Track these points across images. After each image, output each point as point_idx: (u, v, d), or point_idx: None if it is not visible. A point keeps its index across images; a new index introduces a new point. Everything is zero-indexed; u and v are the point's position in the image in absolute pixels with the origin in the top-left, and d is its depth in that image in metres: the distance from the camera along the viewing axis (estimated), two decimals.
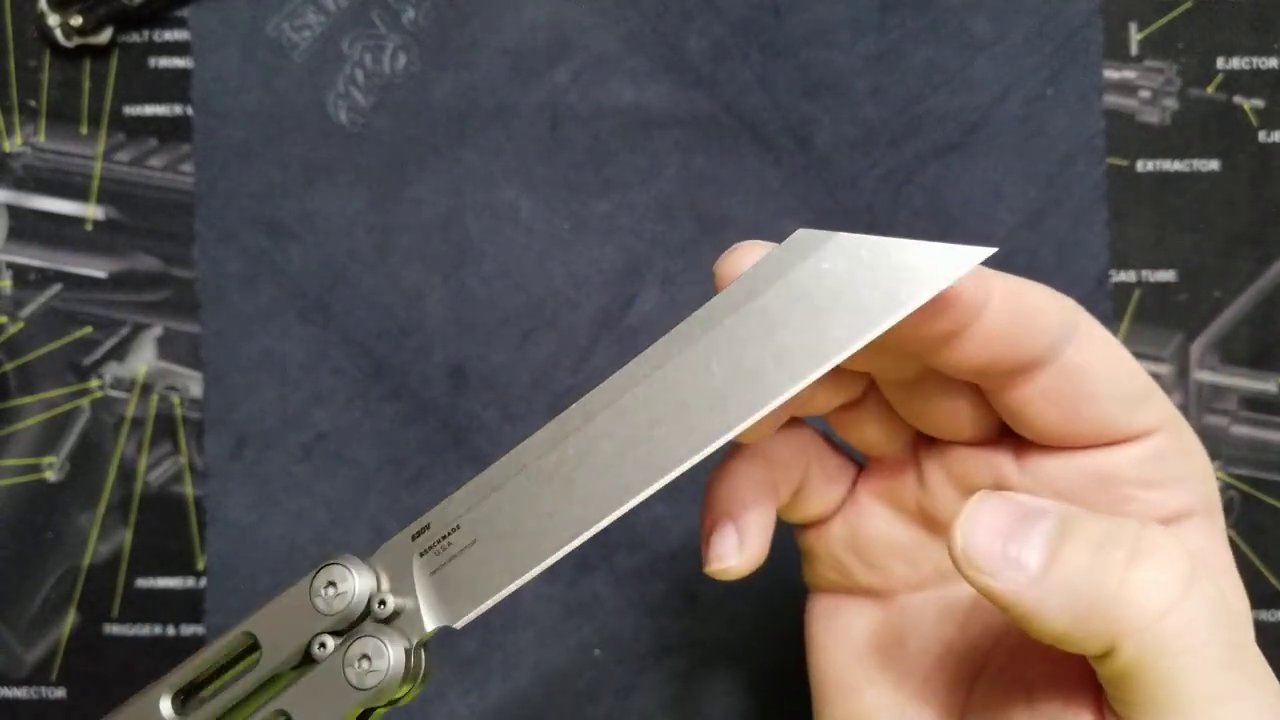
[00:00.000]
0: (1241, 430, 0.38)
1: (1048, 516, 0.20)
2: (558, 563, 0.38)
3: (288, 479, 0.37)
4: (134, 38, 0.38)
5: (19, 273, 0.38)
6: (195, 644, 0.37)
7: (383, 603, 0.21)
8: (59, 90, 0.38)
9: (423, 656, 0.22)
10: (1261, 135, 0.38)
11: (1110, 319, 0.37)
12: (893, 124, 0.37)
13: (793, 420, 0.25)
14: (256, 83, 0.37)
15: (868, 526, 0.26)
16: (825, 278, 0.20)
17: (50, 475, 0.37)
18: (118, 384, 0.37)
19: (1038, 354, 0.21)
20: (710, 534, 0.24)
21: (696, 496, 0.37)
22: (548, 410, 0.37)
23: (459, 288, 0.37)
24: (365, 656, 0.21)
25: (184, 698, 0.22)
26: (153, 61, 0.38)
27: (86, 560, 0.37)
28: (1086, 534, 0.20)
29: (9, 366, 0.38)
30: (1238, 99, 0.38)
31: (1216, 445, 0.38)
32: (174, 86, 0.38)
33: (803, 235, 0.20)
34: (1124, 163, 0.38)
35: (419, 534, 0.22)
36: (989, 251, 0.20)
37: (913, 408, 0.24)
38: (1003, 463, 0.24)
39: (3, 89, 0.38)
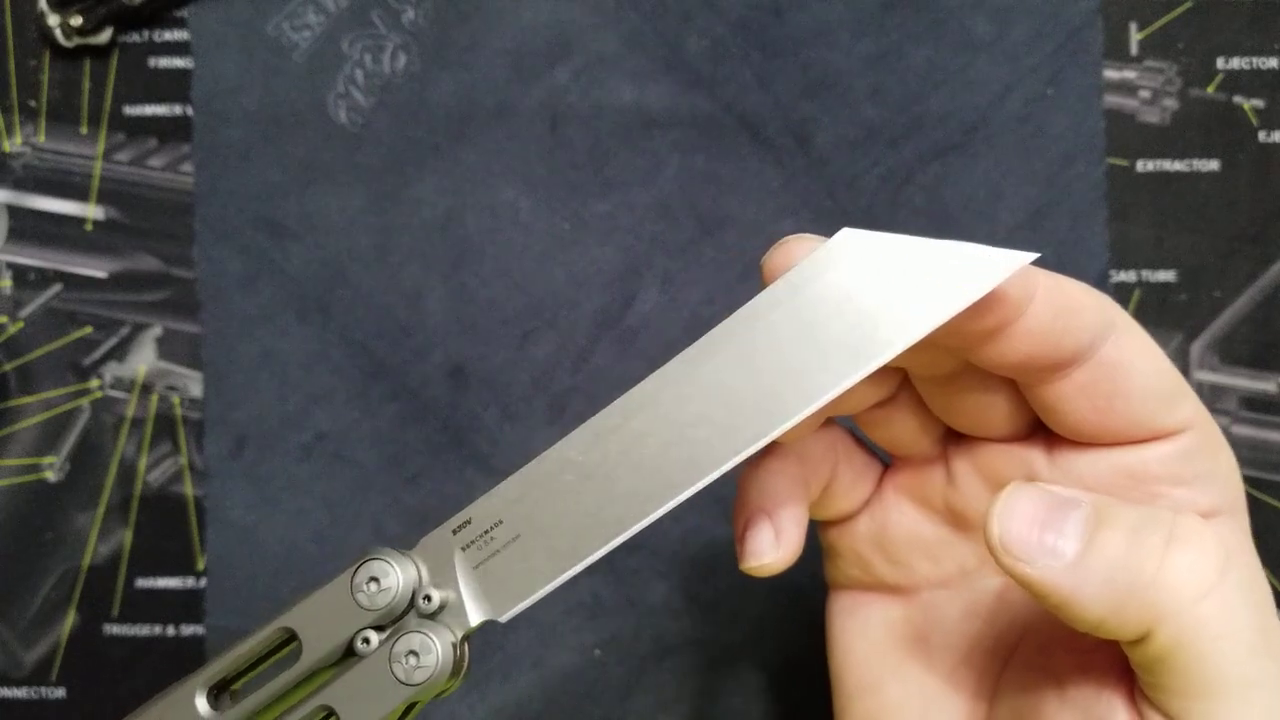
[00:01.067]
0: (1241, 430, 0.38)
1: (1082, 505, 0.21)
2: None
3: (288, 479, 0.37)
4: (134, 38, 0.38)
5: (19, 273, 0.38)
6: (195, 644, 0.37)
7: (428, 598, 0.21)
8: (59, 90, 0.38)
9: (466, 650, 0.22)
10: (1261, 135, 0.38)
11: None
12: (893, 124, 0.37)
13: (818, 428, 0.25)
14: (256, 83, 0.37)
15: (893, 523, 0.26)
16: (869, 279, 0.20)
17: (50, 475, 0.37)
18: (118, 384, 0.38)
19: (1077, 350, 0.21)
20: (746, 531, 0.24)
21: (696, 497, 0.37)
22: (548, 410, 0.37)
23: (459, 287, 0.37)
24: (413, 653, 0.21)
25: (217, 693, 0.22)
26: (153, 61, 0.38)
27: (86, 560, 0.37)
28: (1122, 520, 0.20)
29: (9, 366, 0.38)
30: (1238, 99, 0.38)
31: None
32: (174, 86, 0.38)
33: (847, 235, 0.20)
34: (1124, 163, 0.38)
35: (460, 528, 0.21)
36: (1032, 256, 0.20)
37: (947, 404, 0.24)
38: (1034, 459, 0.24)
39: (3, 89, 0.38)
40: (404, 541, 0.22)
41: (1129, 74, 0.38)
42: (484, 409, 0.37)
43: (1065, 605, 0.20)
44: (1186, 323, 0.37)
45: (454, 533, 0.21)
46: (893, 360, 0.21)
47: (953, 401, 0.24)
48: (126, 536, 0.37)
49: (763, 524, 0.24)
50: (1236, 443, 0.37)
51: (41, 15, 0.37)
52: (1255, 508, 0.37)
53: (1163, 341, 0.37)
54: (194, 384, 0.37)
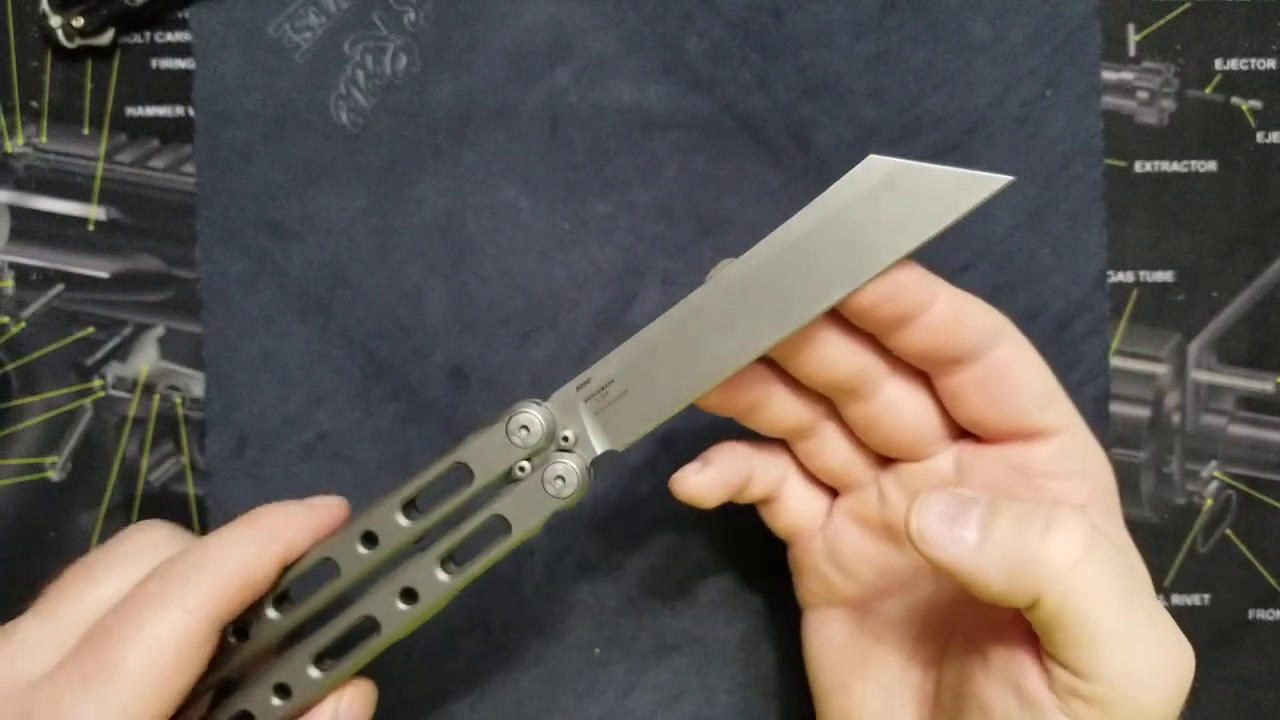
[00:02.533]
0: (1239, 430, 0.38)
1: (980, 502, 0.26)
2: (557, 561, 0.38)
3: (289, 478, 0.37)
4: (136, 39, 0.38)
5: (21, 273, 0.38)
6: None
7: (565, 437, 0.29)
8: (61, 91, 0.38)
9: (592, 473, 0.29)
10: (1259, 136, 0.38)
11: (1108, 319, 0.37)
12: (892, 125, 0.37)
13: (776, 441, 0.31)
14: (258, 84, 0.37)
15: (842, 542, 0.31)
16: (889, 195, 0.27)
17: (52, 475, 0.38)
18: (120, 384, 0.38)
19: (970, 348, 0.28)
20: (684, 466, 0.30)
21: None
22: None
23: (459, 288, 0.37)
24: (560, 477, 0.29)
25: (407, 510, 0.29)
26: (154, 62, 0.38)
27: None
28: (1010, 512, 0.26)
29: (11, 366, 0.38)
30: (1235, 100, 0.38)
31: (1214, 445, 0.38)
32: (176, 87, 0.38)
33: (875, 161, 0.27)
34: (1122, 163, 0.38)
35: (582, 385, 0.29)
36: (1009, 180, 0.26)
37: (870, 424, 0.30)
38: (944, 473, 0.30)
39: (5, 90, 0.38)
40: (538, 395, 0.29)
41: (1127, 75, 0.38)
42: (484, 409, 0.37)
43: (973, 581, 0.25)
44: (1184, 323, 0.38)
45: (578, 389, 0.29)
46: (819, 381, 0.28)
47: (874, 421, 0.29)
48: None
49: (696, 461, 0.30)
50: (1234, 442, 0.38)
51: (44, 16, 0.37)
52: (1252, 507, 0.38)
53: (1160, 341, 0.38)
54: (196, 384, 0.37)
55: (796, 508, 0.32)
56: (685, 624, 0.37)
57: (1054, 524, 0.25)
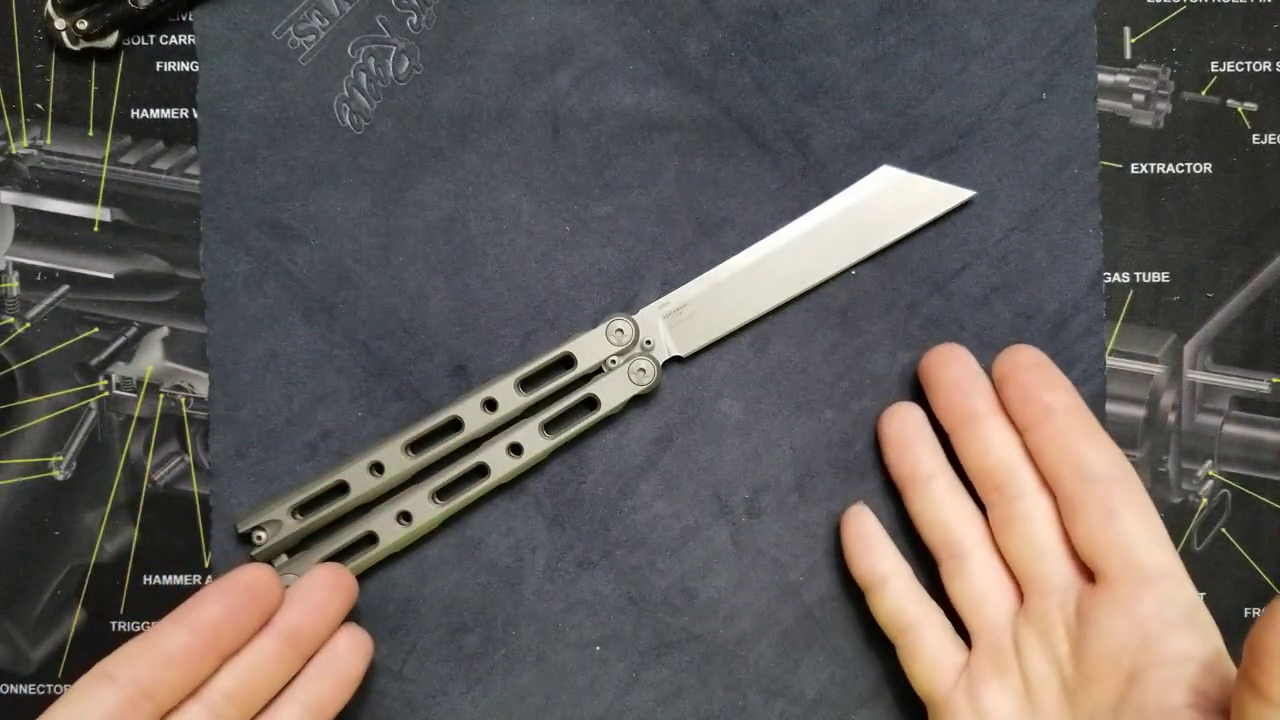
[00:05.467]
0: (1234, 429, 0.38)
1: None
2: (558, 559, 0.38)
3: (293, 477, 0.37)
4: (140, 41, 0.38)
5: (27, 274, 0.38)
6: None
7: (648, 341, 0.37)
8: (65, 93, 0.38)
9: (660, 370, 0.37)
10: (1254, 138, 0.38)
11: (1104, 319, 0.37)
12: (889, 127, 0.37)
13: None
14: (262, 86, 0.37)
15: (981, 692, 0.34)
16: (898, 194, 0.37)
17: (57, 474, 0.38)
18: (124, 384, 0.38)
19: (1083, 472, 0.32)
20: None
21: (695, 495, 0.37)
22: None
23: (461, 289, 0.37)
24: (641, 369, 0.36)
25: (523, 385, 0.36)
26: (159, 65, 0.38)
27: (93, 558, 0.38)
28: None
29: (16, 366, 0.38)
30: (1231, 102, 0.38)
31: (1209, 444, 0.38)
32: (180, 90, 0.38)
33: (886, 169, 0.37)
34: (1118, 165, 0.38)
35: (663, 306, 0.37)
36: (970, 193, 0.37)
37: (1008, 527, 0.34)
38: (1068, 618, 0.32)
39: (10, 92, 0.38)
40: (630, 309, 0.37)
41: (1123, 78, 0.38)
42: None
43: None
44: (1180, 323, 0.38)
45: (659, 308, 0.37)
46: (976, 464, 0.34)
47: (1011, 524, 0.33)
48: (133, 534, 0.38)
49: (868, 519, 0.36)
50: (1229, 442, 0.38)
51: (49, 19, 0.37)
52: (1248, 506, 0.38)
53: (1156, 342, 0.38)
54: (200, 384, 0.38)
55: (930, 651, 0.34)
56: (684, 621, 0.37)
57: None
